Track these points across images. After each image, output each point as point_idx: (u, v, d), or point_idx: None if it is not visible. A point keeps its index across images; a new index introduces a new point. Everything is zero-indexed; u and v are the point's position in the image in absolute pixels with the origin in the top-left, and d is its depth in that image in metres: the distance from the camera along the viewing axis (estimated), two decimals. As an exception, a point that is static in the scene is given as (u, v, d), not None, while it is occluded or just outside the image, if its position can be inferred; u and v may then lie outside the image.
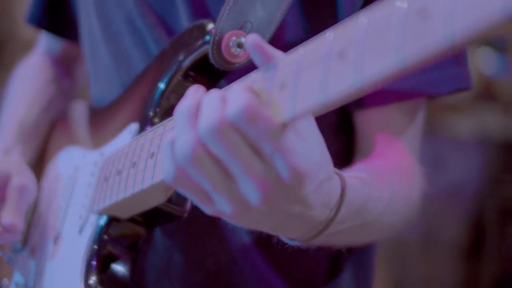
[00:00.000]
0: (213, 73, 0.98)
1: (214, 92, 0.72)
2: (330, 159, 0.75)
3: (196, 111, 0.72)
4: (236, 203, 0.72)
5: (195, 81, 1.00)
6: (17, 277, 1.17)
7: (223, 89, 0.74)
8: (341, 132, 1.07)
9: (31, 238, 1.15)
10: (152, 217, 1.00)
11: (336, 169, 0.79)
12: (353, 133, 1.07)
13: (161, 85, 1.00)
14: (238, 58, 0.94)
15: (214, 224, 1.06)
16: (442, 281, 3.14)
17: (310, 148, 0.71)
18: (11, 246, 1.17)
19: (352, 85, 0.61)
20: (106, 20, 1.17)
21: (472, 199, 3.06)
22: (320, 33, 0.68)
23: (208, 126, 0.69)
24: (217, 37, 0.95)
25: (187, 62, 0.99)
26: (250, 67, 0.95)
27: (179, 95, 1.00)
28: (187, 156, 0.70)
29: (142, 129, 1.00)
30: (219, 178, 0.71)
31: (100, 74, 1.22)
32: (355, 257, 1.14)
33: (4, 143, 1.22)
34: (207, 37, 0.97)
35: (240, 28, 0.95)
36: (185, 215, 0.97)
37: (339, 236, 0.84)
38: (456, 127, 3.27)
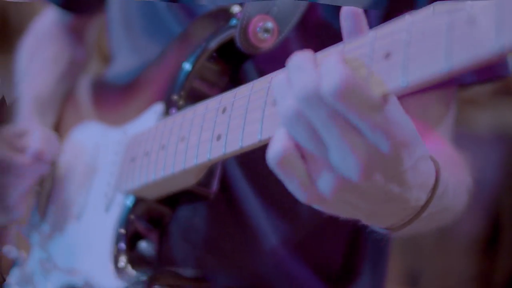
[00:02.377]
0: (238, 56, 0.99)
1: (307, 58, 0.67)
2: (421, 139, 0.72)
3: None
4: (337, 178, 0.67)
5: (219, 63, 1.00)
6: (38, 252, 1.17)
7: (318, 54, 0.70)
8: None
9: (50, 213, 1.16)
10: (179, 197, 1.00)
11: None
12: None
13: (186, 66, 1.00)
14: (265, 42, 0.95)
15: (233, 208, 1.07)
16: (458, 275, 3.13)
17: (408, 120, 0.69)
18: (29, 220, 1.17)
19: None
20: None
21: (489, 193, 3.05)
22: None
23: (302, 96, 0.65)
24: (244, 22, 0.95)
25: (212, 45, 0.99)
26: (276, 49, 0.96)
27: (203, 77, 1.01)
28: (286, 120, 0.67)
29: (167, 111, 1.01)
30: (315, 150, 0.67)
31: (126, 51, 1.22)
32: (372, 244, 1.15)
33: (23, 114, 1.22)
34: (233, 21, 0.98)
35: (267, 13, 0.95)
36: (211, 196, 0.98)
37: (422, 224, 0.80)
38: (474, 122, 3.26)
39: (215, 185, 0.97)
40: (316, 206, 0.71)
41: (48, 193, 1.17)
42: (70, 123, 1.23)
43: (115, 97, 1.17)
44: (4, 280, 1.19)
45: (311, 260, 1.10)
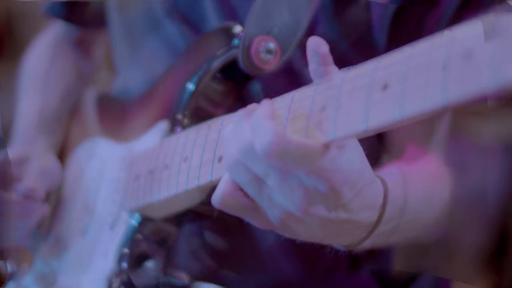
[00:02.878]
0: (241, 76, 0.99)
1: (240, 117, 0.75)
2: (369, 165, 0.77)
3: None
4: (282, 212, 0.75)
5: (223, 83, 1.01)
6: (40, 265, 1.17)
7: (249, 109, 0.76)
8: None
9: (55, 228, 1.16)
10: (184, 216, 1.01)
11: (375, 173, 0.81)
12: (379, 136, 1.08)
13: (190, 86, 1.01)
14: (268, 63, 0.95)
15: (239, 222, 1.08)
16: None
17: (351, 159, 0.74)
18: (33, 235, 1.17)
19: (394, 117, 0.64)
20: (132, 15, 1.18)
21: (495, 204, 3.05)
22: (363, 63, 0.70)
23: (240, 150, 0.73)
24: (246, 43, 0.96)
25: (215, 65, 1.00)
26: (281, 69, 0.96)
27: (207, 96, 1.01)
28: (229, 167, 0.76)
29: (172, 129, 1.01)
30: (256, 191, 0.75)
31: (132, 66, 1.22)
32: (374, 257, 1.15)
33: (27, 134, 1.22)
34: (236, 41, 0.98)
35: (268, 33, 0.96)
36: (215, 214, 0.98)
37: (384, 236, 0.87)
38: (479, 133, 3.26)
39: None
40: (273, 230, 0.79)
41: (53, 208, 1.17)
42: (76, 138, 1.24)
43: (120, 113, 1.17)
44: None
45: (314, 271, 1.11)
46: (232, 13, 1.05)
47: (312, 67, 0.75)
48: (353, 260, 1.13)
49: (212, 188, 0.95)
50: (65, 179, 1.19)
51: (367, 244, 0.84)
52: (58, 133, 1.26)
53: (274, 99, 0.78)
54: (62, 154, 1.24)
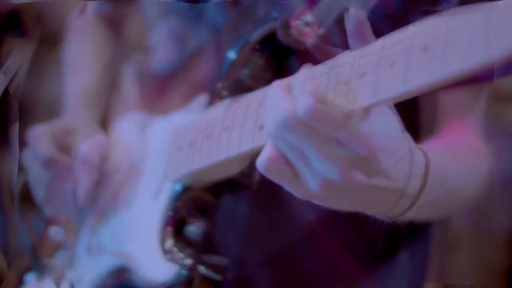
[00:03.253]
0: (280, 50, 1.02)
1: (279, 86, 0.78)
2: (409, 136, 0.81)
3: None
4: (323, 180, 0.77)
5: (263, 57, 1.04)
6: (86, 236, 1.22)
7: (290, 79, 0.79)
8: (408, 110, 1.11)
9: (100, 199, 1.21)
10: (223, 186, 1.05)
11: (416, 144, 0.83)
12: (418, 111, 1.10)
13: (229, 58, 1.04)
14: (306, 36, 0.98)
15: (276, 196, 1.11)
16: (490, 270, 3.13)
17: (389, 127, 0.77)
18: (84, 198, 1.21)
19: (435, 77, 0.66)
20: None
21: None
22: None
23: (278, 123, 0.76)
24: (285, 15, 0.99)
25: (254, 37, 1.03)
26: (316, 48, 0.99)
27: (246, 70, 1.05)
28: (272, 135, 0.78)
29: (211, 101, 1.05)
30: (297, 158, 0.78)
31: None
32: (412, 237, 1.18)
33: (72, 108, 1.27)
34: (274, 13, 1.01)
35: (306, 6, 0.99)
36: (253, 185, 1.02)
37: (426, 208, 0.89)
38: (507, 118, 3.26)
39: (257, 174, 1.01)
40: (313, 201, 0.82)
41: (98, 180, 1.22)
42: (116, 113, 1.28)
43: (160, 87, 1.21)
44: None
45: (351, 247, 1.14)
46: None
47: (351, 36, 0.78)
48: (392, 237, 1.16)
49: (252, 158, 1.00)
50: (108, 153, 1.23)
51: (409, 215, 0.86)
52: (99, 108, 1.31)
53: (313, 67, 0.80)
54: (103, 127, 1.28)
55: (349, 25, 0.79)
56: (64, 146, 1.16)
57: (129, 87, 1.28)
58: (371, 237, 1.14)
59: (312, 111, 0.73)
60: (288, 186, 0.82)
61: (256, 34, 1.03)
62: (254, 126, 0.87)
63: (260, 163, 0.81)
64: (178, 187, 1.05)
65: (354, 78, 0.74)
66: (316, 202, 0.83)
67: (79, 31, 1.44)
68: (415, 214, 0.87)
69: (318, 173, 0.77)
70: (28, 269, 1.30)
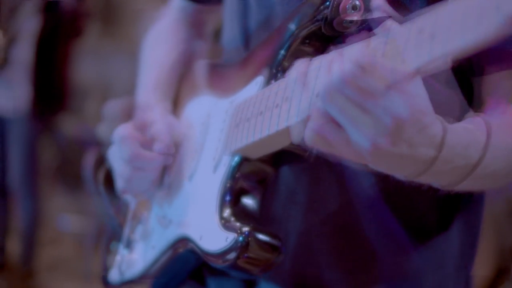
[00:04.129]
0: (331, 35, 1.09)
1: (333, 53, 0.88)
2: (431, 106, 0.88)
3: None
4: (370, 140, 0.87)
5: (312, 45, 1.11)
6: (156, 210, 1.32)
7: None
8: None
9: (168, 176, 1.30)
10: (279, 157, 1.12)
11: (437, 115, 0.90)
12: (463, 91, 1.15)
13: (283, 48, 1.12)
14: (353, 16, 1.05)
15: (333, 169, 1.17)
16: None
17: (420, 95, 0.86)
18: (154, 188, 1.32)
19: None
20: None
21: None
22: None
23: (331, 84, 0.85)
24: (335, 1, 1.06)
25: (308, 25, 1.10)
26: (361, 34, 1.05)
27: (297, 56, 1.12)
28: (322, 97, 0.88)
29: (267, 82, 1.12)
30: (348, 119, 0.87)
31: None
32: (464, 213, 1.22)
33: (148, 101, 1.38)
34: (328, 2, 1.07)
35: None
36: (308, 155, 1.07)
37: (447, 176, 0.95)
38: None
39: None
40: (362, 162, 0.91)
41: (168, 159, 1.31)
42: (186, 97, 1.38)
43: (225, 74, 1.30)
44: None
45: (407, 217, 1.18)
46: None
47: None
48: (444, 213, 1.20)
49: None
50: (177, 133, 1.32)
51: (426, 177, 0.94)
52: (170, 99, 1.41)
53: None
54: (174, 113, 1.39)
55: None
56: (145, 140, 1.26)
57: (201, 75, 1.38)
58: (423, 212, 1.19)
59: (364, 67, 0.82)
60: (337, 151, 0.90)
61: (310, 23, 1.10)
62: (311, 95, 0.94)
63: (308, 134, 0.89)
64: (236, 159, 1.12)
65: (412, 35, 0.81)
66: (366, 162, 0.91)
67: (158, 33, 1.55)
68: (435, 178, 0.95)
69: (368, 134, 0.86)
70: (112, 239, 1.43)
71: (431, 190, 1.05)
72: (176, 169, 1.29)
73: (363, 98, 0.84)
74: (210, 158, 1.19)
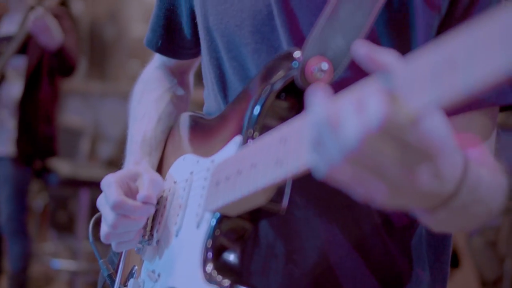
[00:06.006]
0: (301, 93, 1.13)
1: (349, 101, 0.81)
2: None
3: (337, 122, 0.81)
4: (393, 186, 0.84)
5: (287, 100, 1.18)
6: (146, 265, 1.40)
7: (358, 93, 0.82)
8: None
9: (156, 232, 1.38)
10: (255, 213, 1.19)
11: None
12: None
13: (259, 105, 1.19)
14: (321, 81, 1.11)
15: (307, 222, 1.24)
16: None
17: (442, 123, 0.83)
18: (139, 238, 1.39)
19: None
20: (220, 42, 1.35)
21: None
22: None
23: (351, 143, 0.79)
24: (302, 63, 1.12)
25: (278, 86, 1.17)
26: (334, 84, 1.11)
27: (273, 112, 1.18)
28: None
29: (245, 141, 1.19)
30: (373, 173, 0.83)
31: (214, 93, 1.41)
32: (433, 250, 1.29)
33: (134, 157, 1.46)
34: (296, 64, 1.14)
35: (322, 54, 1.12)
36: (282, 211, 1.15)
37: (458, 213, 0.95)
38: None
39: (284, 201, 1.15)
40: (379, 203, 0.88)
41: (155, 214, 1.40)
42: (171, 155, 1.46)
43: (205, 132, 1.38)
44: None
45: (378, 264, 1.25)
46: (302, 40, 1.19)
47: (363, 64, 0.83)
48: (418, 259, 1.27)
49: (278, 187, 1.13)
50: (163, 191, 1.41)
51: (443, 214, 0.92)
52: (157, 153, 1.49)
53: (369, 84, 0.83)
54: (159, 169, 1.47)
55: (360, 59, 0.83)
56: (130, 190, 1.33)
57: (184, 132, 1.46)
58: (396, 257, 1.25)
59: (387, 117, 0.76)
60: (354, 190, 0.86)
61: (279, 84, 1.16)
62: (275, 162, 1.00)
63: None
64: (216, 217, 1.20)
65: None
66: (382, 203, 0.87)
67: (144, 83, 1.62)
68: (449, 215, 0.93)
69: (392, 179, 0.82)
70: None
71: (403, 235, 1.10)
72: (164, 225, 1.36)
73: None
74: (193, 214, 1.27)
